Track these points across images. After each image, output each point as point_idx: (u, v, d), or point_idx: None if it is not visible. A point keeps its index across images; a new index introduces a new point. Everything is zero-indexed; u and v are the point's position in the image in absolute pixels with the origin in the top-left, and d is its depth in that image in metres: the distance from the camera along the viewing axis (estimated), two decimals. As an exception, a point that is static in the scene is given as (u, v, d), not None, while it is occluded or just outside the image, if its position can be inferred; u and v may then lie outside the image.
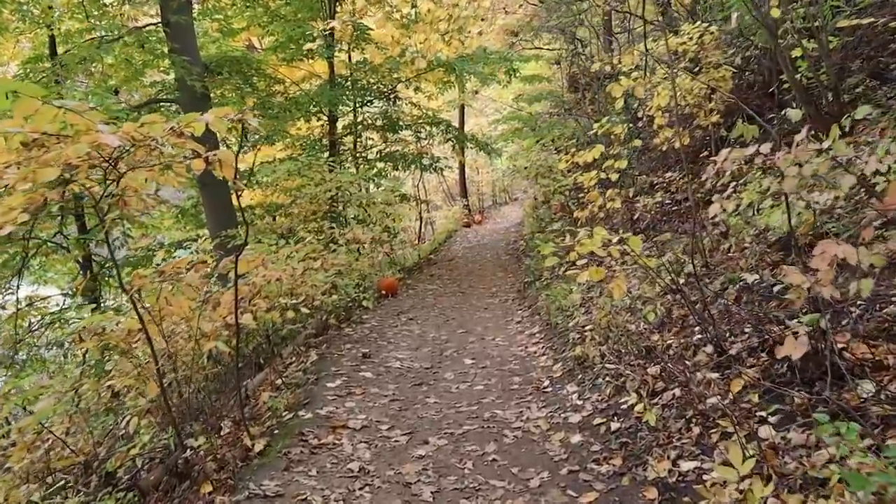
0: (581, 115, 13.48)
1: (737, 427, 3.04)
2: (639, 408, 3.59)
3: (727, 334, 4.01)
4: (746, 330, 3.94)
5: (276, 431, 4.14)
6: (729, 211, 3.65)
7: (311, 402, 4.61)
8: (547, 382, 4.79)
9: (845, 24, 4.82)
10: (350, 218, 11.17)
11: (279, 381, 5.25)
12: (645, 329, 4.80)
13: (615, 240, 3.85)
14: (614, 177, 6.41)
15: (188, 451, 3.86)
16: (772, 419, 3.13)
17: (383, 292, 9.11)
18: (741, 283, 4.55)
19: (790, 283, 2.46)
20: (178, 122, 3.40)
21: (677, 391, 3.73)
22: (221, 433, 4.53)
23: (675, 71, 5.99)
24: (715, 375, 3.67)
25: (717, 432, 3.17)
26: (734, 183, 3.96)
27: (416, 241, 15.05)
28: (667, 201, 7.73)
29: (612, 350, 4.72)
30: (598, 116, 11.59)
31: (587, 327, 5.49)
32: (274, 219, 11.70)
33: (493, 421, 4.16)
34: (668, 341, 4.42)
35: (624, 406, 3.85)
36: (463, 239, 16.98)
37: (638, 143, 6.72)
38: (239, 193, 3.76)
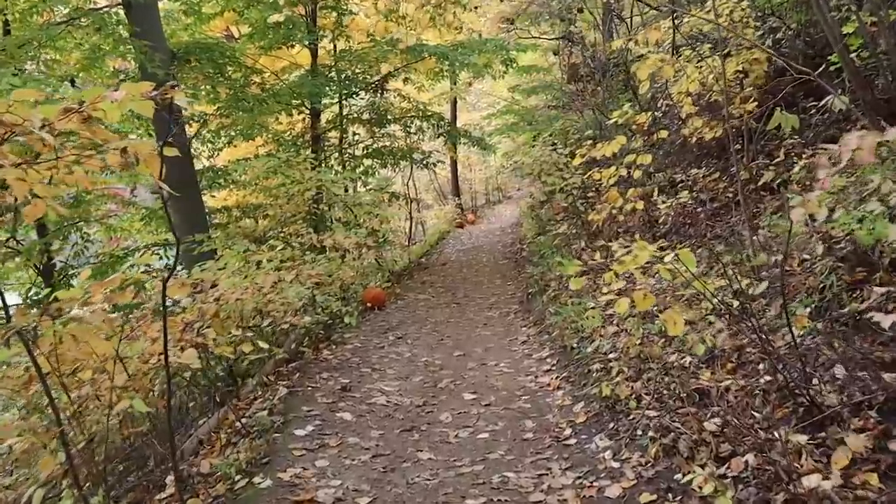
0: (583, 108, 12.55)
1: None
2: (707, 489, 2.65)
3: (810, 379, 3.08)
4: (838, 375, 3.02)
5: (222, 508, 3.18)
6: (822, 217, 2.72)
7: (272, 459, 3.65)
8: (569, 431, 3.84)
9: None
10: (335, 219, 10.17)
11: (238, 424, 4.29)
12: (690, 363, 3.88)
13: (668, 257, 2.92)
14: (637, 174, 5.49)
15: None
16: (909, 518, 2.23)
17: (369, 305, 8.13)
18: (814, 307, 3.64)
19: None
20: (80, 100, 2.49)
21: (751, 458, 2.80)
22: (164, 492, 3.60)
23: (725, 41, 5.04)
24: (803, 439, 2.75)
25: (830, 535, 2.25)
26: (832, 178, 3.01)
27: (406, 243, 14.06)
28: (690, 201, 6.81)
29: (649, 390, 3.79)
30: (604, 108, 10.67)
31: (612, 355, 4.56)
32: (256, 220, 10.71)
33: (505, 490, 3.21)
34: (724, 382, 3.49)
35: (678, 477, 2.92)
36: (456, 241, 16.01)
37: (664, 134, 5.78)
38: (166, 196, 2.80)
